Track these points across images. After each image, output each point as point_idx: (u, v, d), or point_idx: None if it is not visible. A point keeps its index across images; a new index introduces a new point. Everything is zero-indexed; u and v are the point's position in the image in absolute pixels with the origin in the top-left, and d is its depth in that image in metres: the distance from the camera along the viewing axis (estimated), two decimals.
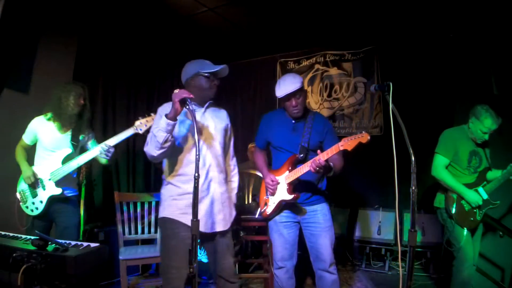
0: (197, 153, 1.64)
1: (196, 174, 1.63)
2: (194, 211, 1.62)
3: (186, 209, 1.98)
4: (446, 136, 2.73)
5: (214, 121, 2.14)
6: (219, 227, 2.05)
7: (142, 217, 3.11)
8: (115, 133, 3.87)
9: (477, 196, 2.59)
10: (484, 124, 2.55)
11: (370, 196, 4.34)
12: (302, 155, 2.28)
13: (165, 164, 2.13)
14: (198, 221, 1.62)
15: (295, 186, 2.29)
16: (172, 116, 1.86)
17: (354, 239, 4.15)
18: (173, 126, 1.88)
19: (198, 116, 2.08)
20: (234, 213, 2.23)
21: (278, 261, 2.37)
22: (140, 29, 4.23)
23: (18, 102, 2.95)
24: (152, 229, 3.11)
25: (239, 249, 3.91)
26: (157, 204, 3.14)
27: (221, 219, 2.06)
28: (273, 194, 2.34)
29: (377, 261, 4.13)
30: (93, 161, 2.65)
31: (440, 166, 2.66)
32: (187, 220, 1.96)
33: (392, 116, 1.82)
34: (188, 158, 2.03)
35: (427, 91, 4.04)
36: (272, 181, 2.31)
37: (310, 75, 4.99)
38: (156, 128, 1.90)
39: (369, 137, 1.98)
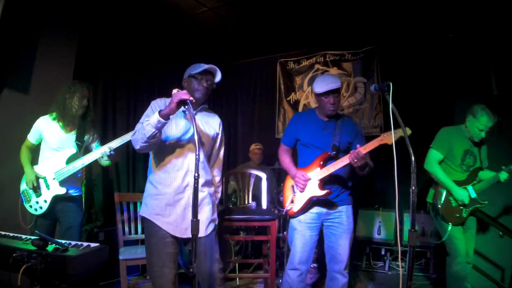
0: (197, 153, 1.64)
1: (196, 174, 1.63)
2: (194, 211, 1.63)
3: (160, 210, 1.99)
4: (443, 133, 2.80)
5: (203, 127, 2.11)
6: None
7: None
8: (115, 133, 3.90)
9: (464, 194, 2.64)
10: (480, 121, 2.62)
11: (370, 196, 4.34)
12: (334, 152, 2.33)
13: (150, 162, 2.13)
14: (198, 221, 1.62)
15: (326, 183, 2.33)
16: (165, 114, 1.82)
17: (354, 239, 4.15)
18: (163, 124, 1.84)
19: (189, 118, 2.05)
20: (215, 218, 2.15)
21: (295, 263, 2.36)
22: (140, 29, 4.23)
23: (18, 102, 2.94)
24: None
25: (239, 249, 3.91)
26: None
27: None
28: (302, 191, 2.35)
29: (377, 261, 4.13)
30: (94, 162, 2.65)
31: (433, 160, 2.74)
32: (160, 222, 1.98)
33: (392, 116, 1.82)
34: (169, 160, 2.01)
35: (427, 91, 4.04)
36: (303, 176, 2.32)
37: (310, 75, 4.99)
38: (146, 121, 1.86)
39: (410, 131, 1.94)
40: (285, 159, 2.54)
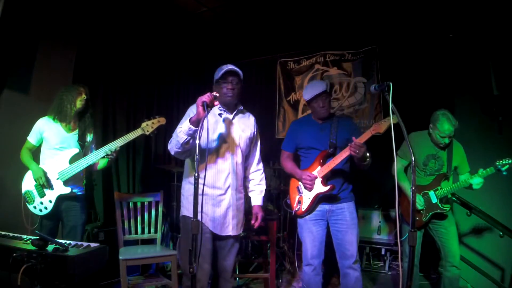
0: (197, 154, 1.67)
1: (196, 174, 1.64)
2: (194, 211, 1.63)
3: (205, 209, 2.08)
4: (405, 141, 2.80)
5: (241, 128, 2.23)
6: (233, 232, 2.15)
7: (142, 217, 3.11)
8: (115, 134, 3.89)
9: (419, 200, 2.64)
10: (440, 129, 2.60)
11: (370, 196, 4.34)
12: (331, 149, 2.45)
13: (186, 163, 2.23)
14: (198, 221, 1.63)
15: (328, 179, 2.44)
16: (195, 120, 1.86)
17: None
18: (194, 131, 1.89)
19: (227, 122, 2.17)
20: (244, 218, 2.30)
21: (308, 258, 2.48)
22: (140, 31, 4.22)
23: (18, 102, 2.94)
24: (152, 229, 3.11)
25: (239, 249, 3.91)
26: (157, 204, 3.15)
27: (235, 224, 2.16)
28: (311, 190, 2.44)
29: (377, 261, 4.13)
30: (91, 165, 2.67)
31: (397, 166, 2.75)
32: (204, 219, 2.07)
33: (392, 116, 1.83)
34: (210, 162, 2.10)
35: (427, 91, 4.04)
36: (310, 176, 2.41)
37: (310, 75, 4.99)
38: (179, 128, 1.94)
39: (396, 120, 1.95)
40: (288, 164, 2.63)
